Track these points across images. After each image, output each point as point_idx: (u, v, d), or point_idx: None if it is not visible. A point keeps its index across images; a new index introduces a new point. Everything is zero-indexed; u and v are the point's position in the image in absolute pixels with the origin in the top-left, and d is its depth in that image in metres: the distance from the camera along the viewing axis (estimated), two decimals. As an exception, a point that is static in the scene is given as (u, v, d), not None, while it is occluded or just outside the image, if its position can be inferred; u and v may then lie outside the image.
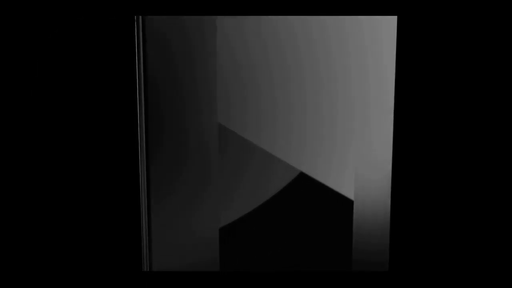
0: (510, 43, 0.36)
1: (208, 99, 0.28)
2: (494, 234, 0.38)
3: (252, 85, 0.29)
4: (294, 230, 0.32)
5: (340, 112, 0.32)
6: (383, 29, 0.33)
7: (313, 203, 0.32)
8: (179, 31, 0.27)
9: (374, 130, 0.33)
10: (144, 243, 0.28)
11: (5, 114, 0.29)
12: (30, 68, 0.29)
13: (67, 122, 0.30)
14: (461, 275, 0.35)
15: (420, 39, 0.37)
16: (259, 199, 0.30)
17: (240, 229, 0.30)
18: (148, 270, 0.28)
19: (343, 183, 0.33)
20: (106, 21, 0.29)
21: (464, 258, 0.37)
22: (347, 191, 0.33)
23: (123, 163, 0.30)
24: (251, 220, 0.30)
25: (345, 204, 0.33)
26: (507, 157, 0.38)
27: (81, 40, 0.29)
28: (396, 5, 0.33)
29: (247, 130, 0.29)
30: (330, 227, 0.33)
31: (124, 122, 0.29)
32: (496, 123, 0.38)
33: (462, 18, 0.36)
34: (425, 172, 0.39)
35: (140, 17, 0.26)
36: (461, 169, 0.39)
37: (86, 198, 0.30)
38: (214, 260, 0.29)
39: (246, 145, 0.29)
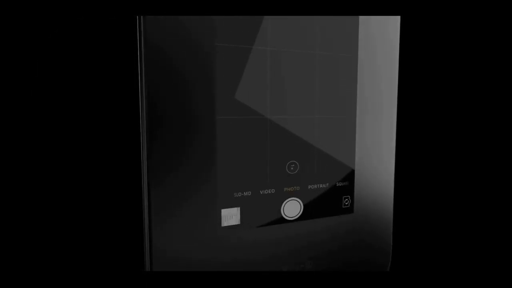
0: (511, 42, 0.36)
1: (208, 98, 0.28)
2: (495, 235, 0.37)
3: (253, 85, 0.29)
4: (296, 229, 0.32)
5: (343, 108, 0.32)
6: (387, 29, 0.33)
7: (315, 205, 0.32)
8: (179, 31, 0.27)
9: (377, 126, 0.33)
10: (146, 243, 0.28)
11: (6, 114, 0.29)
12: (30, 68, 0.29)
13: (68, 122, 0.30)
14: (462, 275, 0.33)
15: (423, 38, 0.37)
16: (259, 199, 0.30)
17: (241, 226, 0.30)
18: (149, 270, 0.28)
19: (346, 189, 0.33)
20: (106, 21, 0.29)
21: (465, 257, 0.36)
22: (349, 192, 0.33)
23: (125, 164, 0.30)
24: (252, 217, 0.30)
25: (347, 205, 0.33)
26: (508, 157, 0.37)
27: (82, 40, 0.29)
28: (399, 5, 0.33)
29: (247, 129, 0.29)
30: (334, 228, 0.33)
31: (125, 122, 0.29)
32: (498, 122, 0.37)
33: (464, 18, 0.36)
34: (428, 173, 0.38)
35: (142, 17, 0.26)
36: (463, 169, 0.38)
37: (88, 200, 0.30)
38: (214, 260, 0.29)
39: (247, 143, 0.29)
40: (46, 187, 0.30)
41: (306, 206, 0.32)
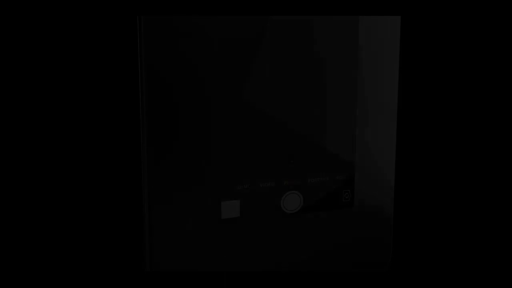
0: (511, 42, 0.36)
1: (208, 92, 0.28)
2: (495, 235, 0.36)
3: (252, 84, 0.29)
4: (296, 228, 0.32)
5: (344, 110, 0.32)
6: (387, 29, 0.33)
7: (314, 204, 0.32)
8: (179, 31, 0.27)
9: (378, 120, 0.33)
10: (146, 244, 0.28)
11: (6, 114, 0.29)
12: (31, 68, 0.29)
13: (69, 122, 0.30)
14: (462, 275, 0.33)
15: (423, 38, 0.37)
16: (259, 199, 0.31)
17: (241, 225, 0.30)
18: (150, 270, 0.28)
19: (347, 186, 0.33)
20: (106, 21, 0.29)
21: (465, 257, 0.35)
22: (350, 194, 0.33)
23: (125, 164, 0.30)
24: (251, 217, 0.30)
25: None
26: (508, 157, 0.37)
27: (82, 40, 0.29)
28: (399, 5, 0.33)
29: (247, 122, 0.29)
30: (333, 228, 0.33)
31: (125, 118, 0.30)
32: (498, 122, 0.37)
33: (465, 18, 0.36)
34: (429, 168, 0.38)
35: (142, 17, 0.26)
36: (464, 169, 0.38)
37: (88, 199, 0.30)
38: (215, 260, 0.29)
39: (247, 136, 0.29)
40: (45, 186, 0.30)
41: (306, 200, 0.32)
